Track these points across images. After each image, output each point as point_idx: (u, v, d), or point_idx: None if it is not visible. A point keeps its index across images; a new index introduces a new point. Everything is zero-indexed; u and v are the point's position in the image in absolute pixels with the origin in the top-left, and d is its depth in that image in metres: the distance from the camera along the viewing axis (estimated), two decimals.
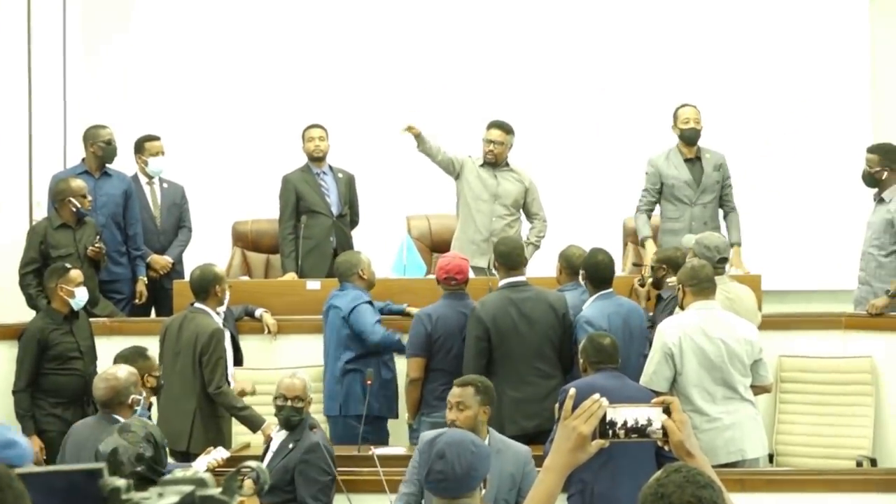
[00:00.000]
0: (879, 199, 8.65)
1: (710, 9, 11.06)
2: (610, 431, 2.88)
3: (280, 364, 8.20)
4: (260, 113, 11.07)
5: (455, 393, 6.38)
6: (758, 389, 7.15)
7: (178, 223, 9.54)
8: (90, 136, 9.22)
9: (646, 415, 2.90)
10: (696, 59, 10.95)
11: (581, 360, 6.82)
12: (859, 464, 7.82)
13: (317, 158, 9.27)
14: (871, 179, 8.68)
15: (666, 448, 2.90)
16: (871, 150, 8.74)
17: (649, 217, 9.07)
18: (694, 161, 9.05)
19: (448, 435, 4.42)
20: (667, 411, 2.90)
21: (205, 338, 7.54)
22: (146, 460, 5.00)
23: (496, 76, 11.03)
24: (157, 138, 9.52)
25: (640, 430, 2.89)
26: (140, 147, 9.47)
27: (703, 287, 7.07)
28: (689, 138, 9.01)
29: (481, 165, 9.07)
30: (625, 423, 2.89)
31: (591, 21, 11.07)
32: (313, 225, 9.13)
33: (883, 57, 10.92)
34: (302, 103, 10.83)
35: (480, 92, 10.92)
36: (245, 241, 9.95)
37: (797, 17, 11.00)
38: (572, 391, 2.96)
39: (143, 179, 9.49)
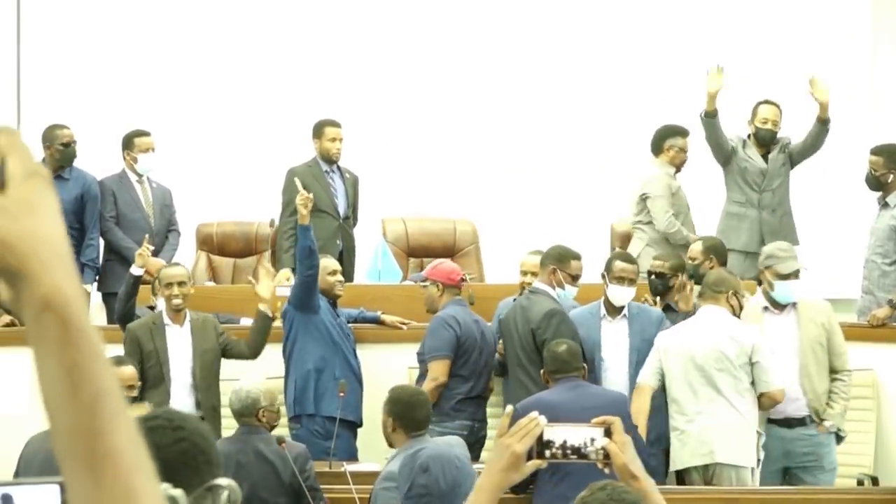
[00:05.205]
0: (884, 204, 8.67)
1: (707, 9, 11.09)
2: (547, 451, 2.86)
3: (261, 373, 8.07)
4: (226, 109, 10.95)
5: None
6: (764, 400, 7.16)
7: (168, 226, 9.36)
8: (47, 138, 9.10)
9: (586, 435, 2.88)
10: (686, 61, 10.85)
11: (542, 373, 6.84)
12: (860, 483, 7.85)
13: (332, 161, 9.22)
14: (875, 182, 8.70)
15: (606, 470, 2.90)
16: (874, 151, 8.75)
17: None
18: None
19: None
20: (608, 433, 2.88)
21: None
22: None
23: (484, 74, 10.89)
24: (146, 133, 9.31)
25: (579, 451, 2.88)
26: (129, 143, 9.26)
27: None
28: (763, 139, 9.02)
29: None
30: (563, 442, 2.87)
31: (578, 22, 11.03)
32: (318, 226, 8.64)
33: (885, 56, 10.99)
34: (272, 98, 10.77)
35: (469, 91, 10.80)
36: (210, 244, 9.88)
37: (795, 16, 11.05)
38: (509, 408, 2.96)
39: (132, 177, 9.30)
